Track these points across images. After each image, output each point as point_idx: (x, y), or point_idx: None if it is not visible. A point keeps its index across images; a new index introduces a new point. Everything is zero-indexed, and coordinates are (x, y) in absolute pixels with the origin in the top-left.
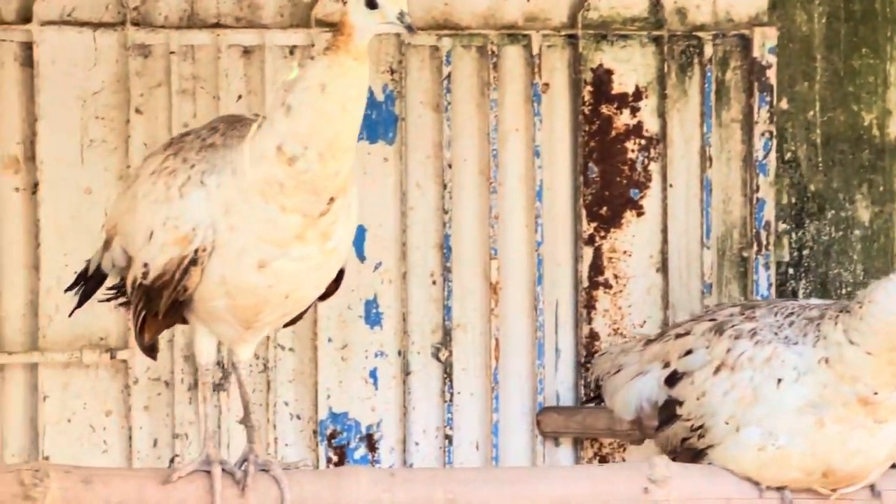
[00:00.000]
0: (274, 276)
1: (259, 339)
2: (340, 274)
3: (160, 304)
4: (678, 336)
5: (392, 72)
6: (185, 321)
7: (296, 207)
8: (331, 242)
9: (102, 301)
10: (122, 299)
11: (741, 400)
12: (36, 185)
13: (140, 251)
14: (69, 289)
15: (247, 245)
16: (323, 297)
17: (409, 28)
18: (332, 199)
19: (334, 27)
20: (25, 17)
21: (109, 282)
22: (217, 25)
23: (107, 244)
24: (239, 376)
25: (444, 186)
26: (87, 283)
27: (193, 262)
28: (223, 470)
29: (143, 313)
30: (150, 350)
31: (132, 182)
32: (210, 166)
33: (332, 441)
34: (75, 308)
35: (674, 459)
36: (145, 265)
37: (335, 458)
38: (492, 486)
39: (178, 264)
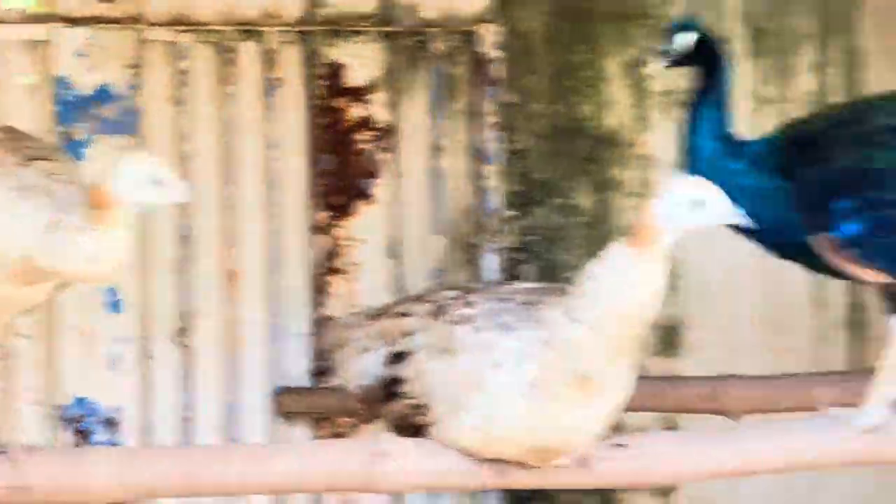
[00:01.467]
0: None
1: None
2: None
3: None
4: (399, 315)
5: (133, 66)
6: None
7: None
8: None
9: None
10: None
11: (461, 384)
12: None
13: None
14: None
15: None
16: None
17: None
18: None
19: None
20: None
21: None
22: None
23: None
24: None
25: (183, 178)
26: None
27: None
28: None
29: None
30: None
31: None
32: None
33: (76, 426)
34: None
35: (400, 435)
36: None
37: (79, 443)
38: (227, 462)
39: None
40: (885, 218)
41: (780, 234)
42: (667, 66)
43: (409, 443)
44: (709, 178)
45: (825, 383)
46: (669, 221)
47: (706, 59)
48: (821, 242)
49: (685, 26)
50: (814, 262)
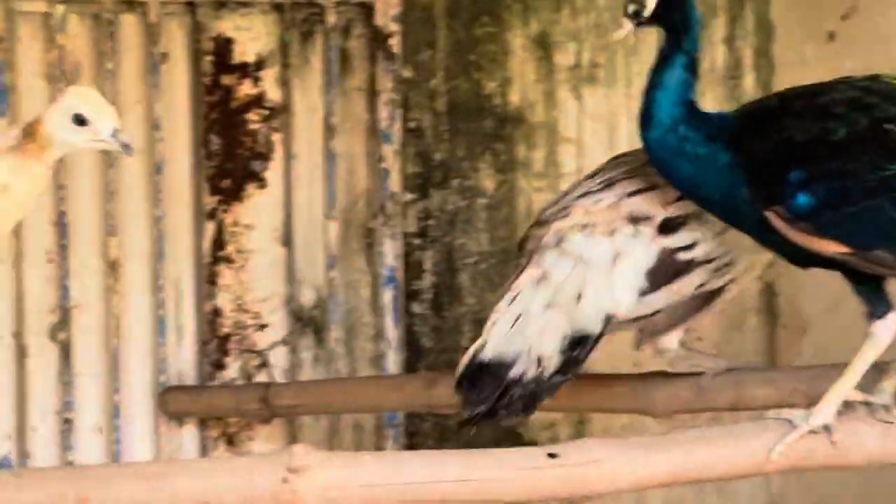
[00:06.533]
0: None
1: None
2: None
3: None
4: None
5: (1, 40)
6: None
7: None
8: None
9: None
10: None
11: None
12: None
13: None
14: None
15: None
16: None
17: (126, 147)
18: None
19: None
20: None
21: None
22: None
23: None
24: None
25: (60, 160)
26: None
27: None
28: None
29: None
30: None
31: None
32: None
33: None
34: None
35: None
36: None
37: None
38: (127, 482)
39: None
40: (840, 188)
41: (735, 209)
42: (636, 27)
43: (326, 456)
44: (664, 143)
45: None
46: (56, 133)
47: (672, 17)
48: (775, 216)
49: None
50: (768, 239)
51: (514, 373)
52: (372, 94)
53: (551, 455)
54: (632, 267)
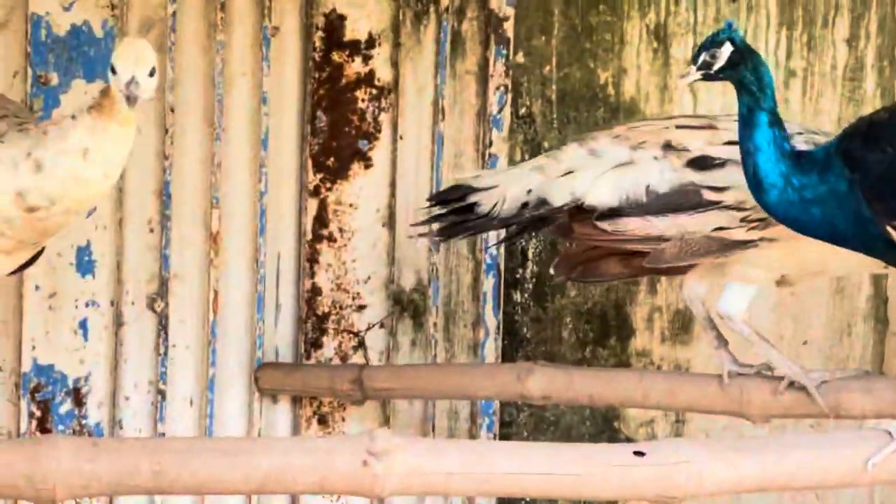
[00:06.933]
0: None
1: None
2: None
3: None
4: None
5: (113, 7)
6: None
7: (17, 237)
8: (41, 245)
9: None
10: None
11: None
12: None
13: None
14: None
15: None
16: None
17: (129, 98)
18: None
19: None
20: None
21: None
22: None
23: None
24: None
25: (166, 131)
26: None
27: None
28: None
29: None
30: None
31: None
32: None
33: (36, 395)
34: None
35: None
36: None
37: (38, 413)
38: (204, 457)
39: None
40: None
41: (866, 234)
42: (701, 79)
43: (408, 440)
44: (784, 201)
45: None
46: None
47: (742, 74)
48: (894, 230)
49: (717, 38)
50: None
51: (475, 198)
52: (483, 78)
53: (638, 453)
54: (631, 176)
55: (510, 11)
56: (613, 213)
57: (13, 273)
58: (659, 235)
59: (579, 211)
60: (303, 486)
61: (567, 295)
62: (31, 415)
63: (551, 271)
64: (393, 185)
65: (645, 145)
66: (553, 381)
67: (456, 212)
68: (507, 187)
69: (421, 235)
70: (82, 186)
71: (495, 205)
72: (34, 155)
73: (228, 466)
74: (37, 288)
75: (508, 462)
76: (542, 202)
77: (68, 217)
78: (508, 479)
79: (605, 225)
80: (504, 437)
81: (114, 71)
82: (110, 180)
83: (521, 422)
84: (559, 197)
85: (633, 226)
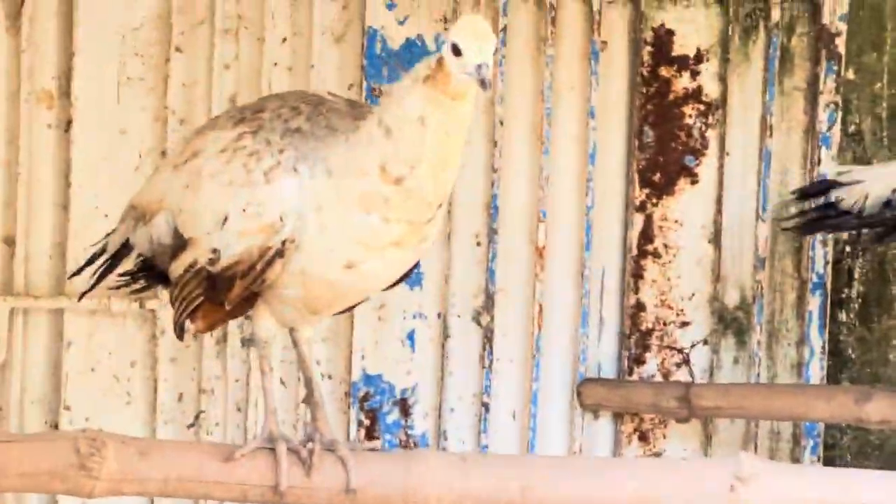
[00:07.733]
0: (359, 275)
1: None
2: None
3: (231, 293)
4: None
5: (445, 20)
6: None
7: (401, 218)
8: (426, 243)
9: (113, 288)
10: (137, 285)
11: None
12: (69, 122)
13: (207, 235)
14: (78, 272)
15: (337, 245)
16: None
17: (483, 83)
18: (440, 205)
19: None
20: None
21: (122, 267)
22: None
23: (143, 217)
24: (300, 353)
25: (495, 144)
26: (113, 259)
27: (280, 253)
28: (288, 448)
29: (197, 300)
30: (181, 331)
31: (189, 156)
32: (300, 154)
33: (365, 404)
34: (88, 290)
35: None
36: (214, 251)
37: (367, 422)
38: (570, 475)
39: (261, 255)
40: None
41: None
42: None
43: (774, 465)
44: None
45: None
46: (448, 62)
47: None
48: None
49: None
50: None
51: (838, 193)
52: (812, 94)
53: None
54: None
55: (843, 27)
56: None
57: (389, 287)
58: None
59: None
60: None
61: (895, 316)
62: (359, 423)
63: None
64: (719, 201)
65: None
66: (893, 406)
67: (819, 208)
68: (871, 184)
69: (785, 229)
70: (428, 148)
71: (855, 202)
72: (384, 120)
73: (597, 487)
74: (366, 300)
75: (876, 493)
76: None
77: (436, 181)
78: None
79: None
80: (828, 460)
81: (457, 51)
82: (454, 138)
83: (844, 444)
84: None
85: None
